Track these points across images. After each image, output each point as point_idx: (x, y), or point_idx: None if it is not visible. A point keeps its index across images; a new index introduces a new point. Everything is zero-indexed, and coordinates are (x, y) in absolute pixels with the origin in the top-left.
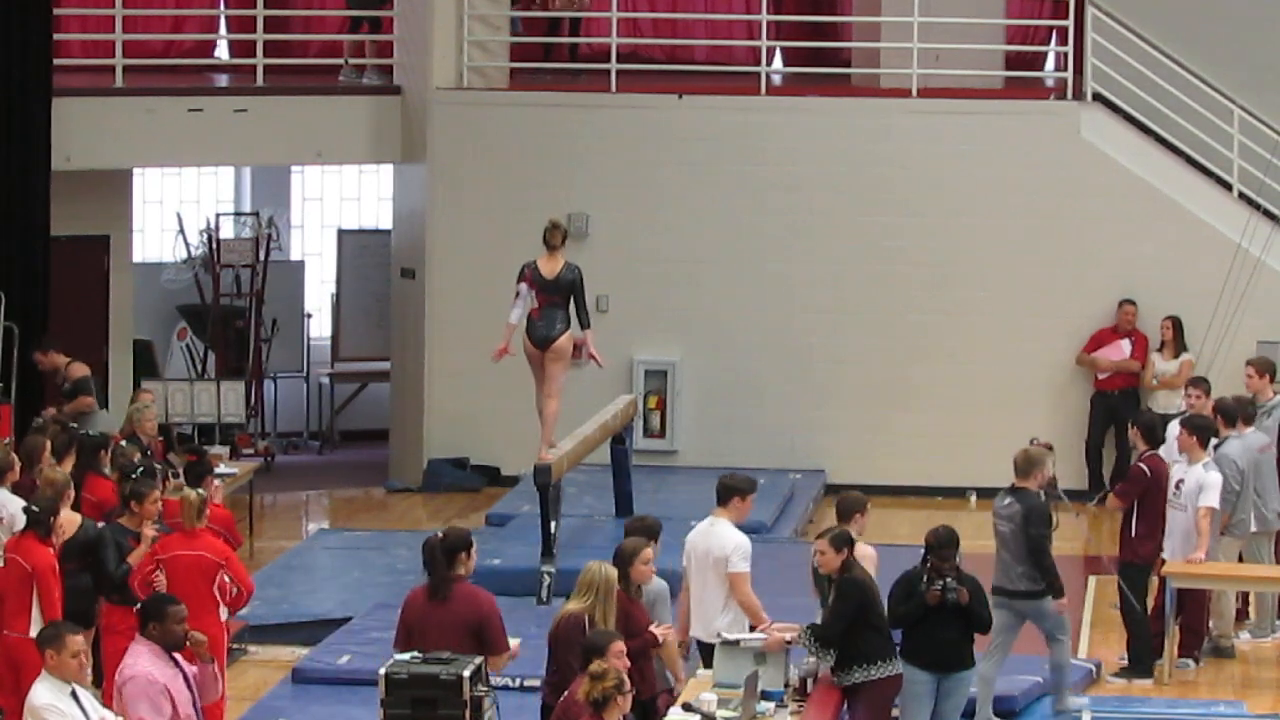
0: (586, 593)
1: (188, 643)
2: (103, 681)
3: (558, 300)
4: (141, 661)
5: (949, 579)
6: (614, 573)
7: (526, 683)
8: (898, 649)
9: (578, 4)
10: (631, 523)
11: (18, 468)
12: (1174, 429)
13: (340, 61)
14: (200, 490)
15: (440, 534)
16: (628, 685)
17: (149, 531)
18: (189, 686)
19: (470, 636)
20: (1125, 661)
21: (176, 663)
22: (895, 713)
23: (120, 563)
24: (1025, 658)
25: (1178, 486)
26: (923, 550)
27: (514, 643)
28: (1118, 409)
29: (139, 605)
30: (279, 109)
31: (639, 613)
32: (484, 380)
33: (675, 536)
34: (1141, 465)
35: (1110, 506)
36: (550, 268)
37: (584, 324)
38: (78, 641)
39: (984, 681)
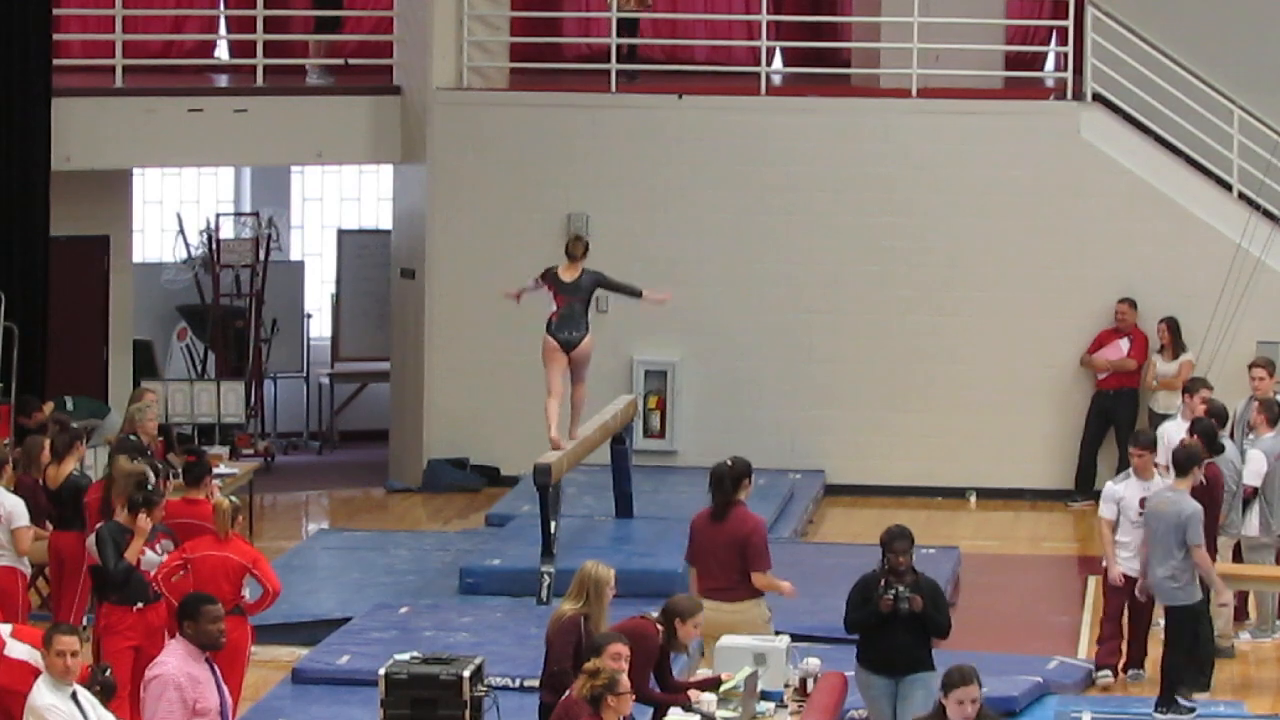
0: (579, 593)
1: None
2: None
3: (576, 302)
4: (172, 661)
5: (901, 587)
6: (607, 573)
7: (526, 683)
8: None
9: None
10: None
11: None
12: (1170, 432)
13: (341, 62)
14: (233, 498)
15: (730, 462)
16: (622, 686)
17: (144, 524)
18: (219, 689)
19: (738, 554)
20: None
21: (209, 664)
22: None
23: (118, 559)
24: (1025, 658)
25: None
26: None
27: (785, 584)
28: (1113, 409)
29: (176, 607)
30: (279, 109)
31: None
32: (484, 380)
33: (675, 538)
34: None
35: None
36: (570, 274)
37: (636, 293)
38: (65, 641)
39: None
